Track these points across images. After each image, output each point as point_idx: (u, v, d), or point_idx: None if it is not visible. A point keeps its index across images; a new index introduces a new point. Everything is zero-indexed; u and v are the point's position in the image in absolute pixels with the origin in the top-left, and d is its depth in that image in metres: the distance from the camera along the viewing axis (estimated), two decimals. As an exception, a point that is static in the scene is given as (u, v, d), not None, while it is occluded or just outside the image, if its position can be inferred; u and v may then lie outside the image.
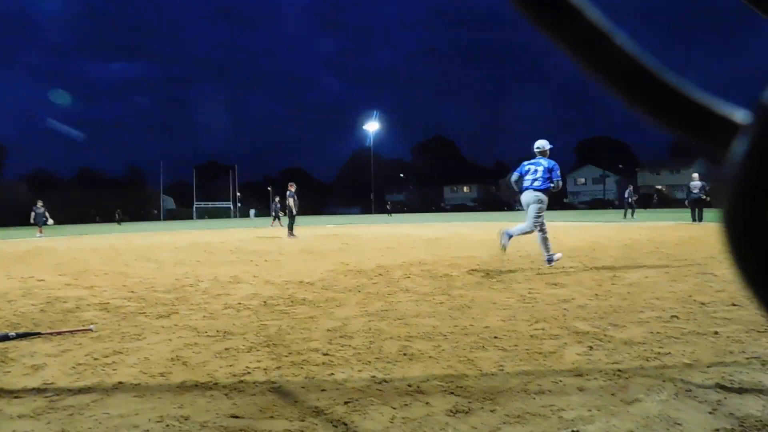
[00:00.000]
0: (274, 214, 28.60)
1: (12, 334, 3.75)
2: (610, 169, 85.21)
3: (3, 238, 20.72)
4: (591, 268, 6.89)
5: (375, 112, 73.61)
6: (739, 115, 0.28)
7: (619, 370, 2.72)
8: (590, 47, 0.29)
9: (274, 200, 28.52)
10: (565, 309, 4.36)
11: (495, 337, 3.50)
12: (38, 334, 3.85)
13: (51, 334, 3.87)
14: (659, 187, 76.44)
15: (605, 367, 2.79)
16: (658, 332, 3.50)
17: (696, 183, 18.56)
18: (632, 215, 27.22)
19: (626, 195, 27.89)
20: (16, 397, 2.60)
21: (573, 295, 4.98)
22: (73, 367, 3.08)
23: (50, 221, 24.76)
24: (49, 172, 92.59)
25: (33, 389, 2.72)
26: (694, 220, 18.65)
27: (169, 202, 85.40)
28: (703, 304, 4.40)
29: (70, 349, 3.50)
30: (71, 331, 3.93)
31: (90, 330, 3.97)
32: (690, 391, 2.42)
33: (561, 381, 2.60)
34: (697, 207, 18.53)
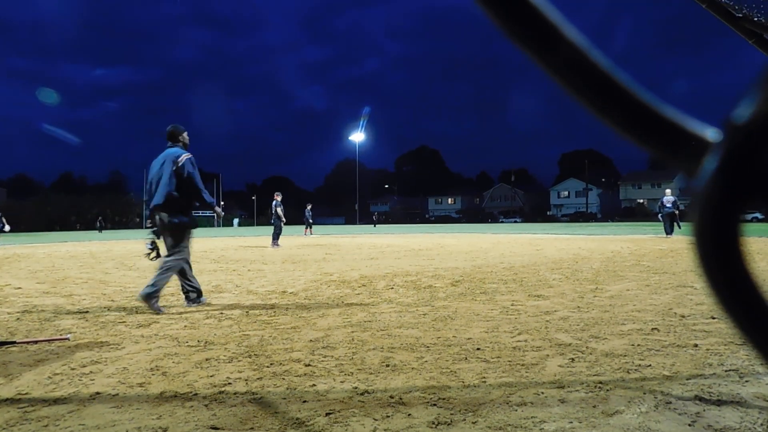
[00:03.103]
0: (307, 222, 29.10)
1: None
2: (593, 182, 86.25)
3: (-20, 244, 20.32)
4: (573, 280, 6.94)
5: (361, 122, 73.73)
6: (710, 133, 0.29)
7: (600, 382, 2.74)
8: (565, 63, 0.30)
9: (305, 208, 28.83)
10: (547, 321, 4.39)
11: (478, 349, 3.51)
12: (13, 342, 3.77)
13: (26, 342, 3.79)
14: (641, 200, 77.52)
15: (586, 379, 2.80)
16: (638, 344, 3.53)
17: (669, 198, 19.00)
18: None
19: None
20: (-11, 408, 2.54)
21: (555, 307, 5.01)
22: (49, 377, 3.03)
23: (6, 227, 24.10)
24: (29, 177, 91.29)
25: (6, 399, 2.66)
26: (667, 233, 19.01)
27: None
28: (683, 316, 4.45)
29: (46, 359, 3.43)
30: (47, 340, 3.85)
31: (67, 339, 3.88)
32: (670, 403, 2.44)
33: (543, 393, 2.61)
34: (670, 221, 18.88)
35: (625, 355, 3.27)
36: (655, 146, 0.29)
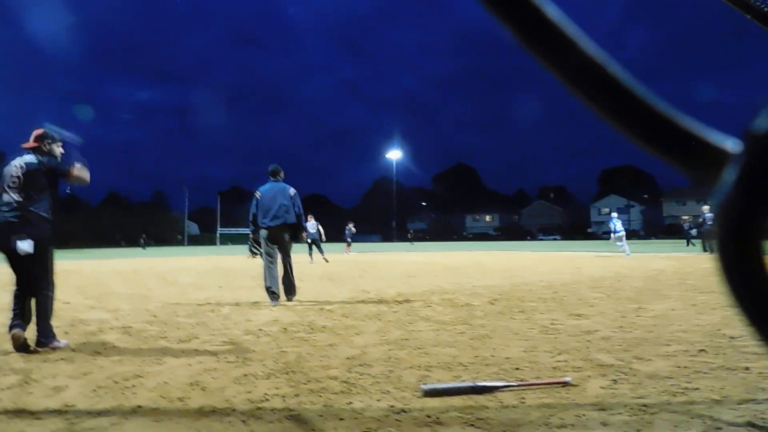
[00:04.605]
0: (348, 240, 29.91)
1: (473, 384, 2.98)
2: (635, 198, 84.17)
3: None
4: (615, 299, 6.76)
5: (396, 140, 74.10)
6: (730, 144, 0.28)
7: (644, 405, 2.65)
8: (585, 77, 0.30)
9: (347, 226, 29.75)
10: (588, 341, 4.28)
11: (516, 369, 3.44)
12: (510, 385, 2.98)
13: (526, 386, 3.01)
14: (685, 217, 75.11)
15: (630, 402, 2.72)
16: (685, 366, 3.41)
17: (710, 215, 18.55)
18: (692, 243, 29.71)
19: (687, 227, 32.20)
20: (36, 419, 2.62)
21: (596, 327, 4.88)
22: (94, 390, 3.11)
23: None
24: (77, 196, 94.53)
25: (53, 411, 2.74)
26: (705, 250, 18.55)
27: (193, 228, 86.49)
28: (732, 337, 4.28)
29: (91, 372, 3.53)
30: (547, 383, 3.05)
31: (567, 383, 3.04)
32: (719, 429, 2.34)
33: (584, 415, 2.54)
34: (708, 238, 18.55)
35: (670, 378, 3.16)
36: (673, 156, 0.29)
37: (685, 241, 31.99)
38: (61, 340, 4.47)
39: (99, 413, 2.70)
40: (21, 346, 4.23)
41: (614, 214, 20.81)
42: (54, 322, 4.63)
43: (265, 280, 7.10)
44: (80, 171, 4.47)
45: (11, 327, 4.25)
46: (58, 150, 4.64)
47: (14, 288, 4.38)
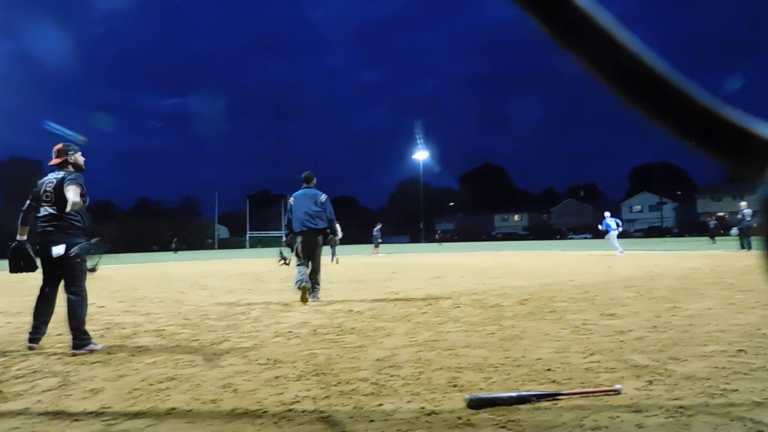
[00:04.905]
0: (375, 241, 30.38)
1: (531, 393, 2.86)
2: (667, 195, 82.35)
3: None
4: (648, 299, 6.62)
5: (422, 142, 73.84)
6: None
7: (681, 407, 2.59)
8: (620, 68, 0.29)
9: (375, 228, 30.43)
10: (621, 341, 4.20)
11: (548, 370, 3.40)
12: (559, 394, 2.85)
13: (573, 394, 2.87)
14: (721, 213, 73.17)
15: (666, 404, 2.65)
16: (723, 367, 3.32)
17: (748, 210, 18.07)
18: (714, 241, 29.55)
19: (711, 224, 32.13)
20: (75, 420, 2.69)
21: (629, 327, 4.79)
22: (129, 392, 3.17)
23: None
24: (110, 203, 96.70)
25: (91, 412, 2.80)
26: (743, 247, 18.04)
27: (223, 232, 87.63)
28: (771, 337, 4.15)
29: (126, 375, 3.60)
30: (595, 392, 2.90)
31: (617, 391, 2.88)
32: None
33: (618, 417, 2.49)
34: (748, 235, 18.04)
35: (708, 379, 3.07)
36: (715, 150, 0.28)
37: (708, 238, 31.82)
38: (98, 344, 4.59)
39: (135, 415, 2.75)
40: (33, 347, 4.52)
41: (607, 214, 21.34)
42: (90, 326, 4.76)
43: (296, 282, 7.36)
44: (75, 197, 4.49)
45: (30, 339, 4.55)
46: (81, 158, 4.93)
47: (40, 292, 4.63)
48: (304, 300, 7.19)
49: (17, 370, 3.85)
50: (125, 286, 11.66)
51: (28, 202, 4.72)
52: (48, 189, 4.62)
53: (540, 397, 2.75)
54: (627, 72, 0.29)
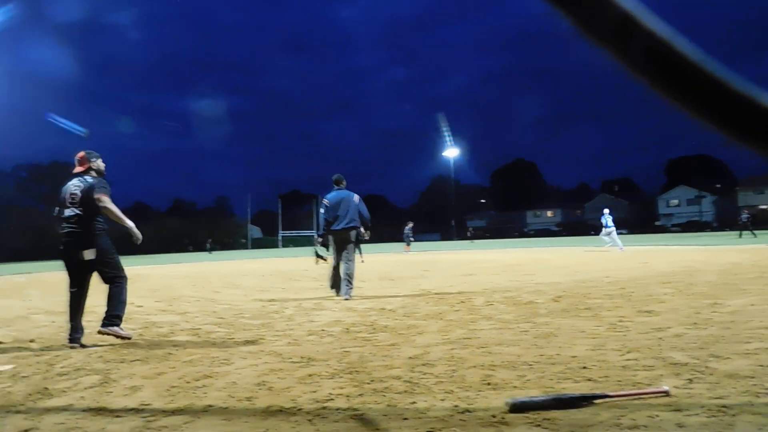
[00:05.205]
0: (407, 240, 30.95)
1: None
2: (706, 188, 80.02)
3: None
4: (687, 295, 6.45)
5: (452, 139, 73.39)
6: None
7: (723, 406, 2.51)
8: (656, 59, 0.28)
9: (406, 226, 30.98)
10: (659, 338, 4.10)
11: (583, 367, 3.35)
12: (606, 396, 2.72)
13: (620, 396, 2.74)
14: (764, 206, 70.74)
15: (707, 402, 2.58)
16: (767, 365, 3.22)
17: None
18: (752, 235, 29.18)
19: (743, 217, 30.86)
20: (116, 416, 2.76)
21: (668, 324, 4.68)
22: (167, 390, 3.24)
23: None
24: (146, 204, 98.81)
25: (131, 409, 2.87)
26: None
27: (256, 232, 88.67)
28: (819, 334, 4.00)
29: (164, 373, 3.68)
30: (642, 393, 2.78)
31: (664, 392, 2.75)
32: (807, 430, 2.20)
33: (657, 416, 2.43)
34: None
35: (752, 377, 2.98)
36: (759, 140, 0.27)
37: (738, 232, 31.02)
38: (126, 331, 4.93)
39: (173, 412, 2.81)
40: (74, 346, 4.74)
41: (606, 211, 22.02)
42: (128, 325, 4.92)
43: (330, 279, 7.99)
44: (109, 204, 4.93)
45: (71, 340, 4.82)
46: (102, 163, 5.30)
47: (71, 293, 4.93)
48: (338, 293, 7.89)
49: (61, 367, 3.97)
50: (162, 285, 11.92)
51: (57, 208, 5.02)
52: (75, 192, 4.92)
53: (584, 399, 2.67)
54: (661, 61, 0.28)
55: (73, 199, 4.91)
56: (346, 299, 7.60)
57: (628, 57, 0.29)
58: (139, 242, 5.22)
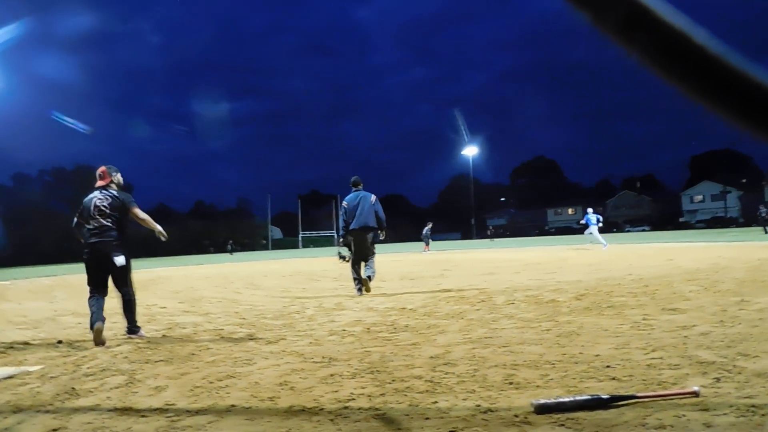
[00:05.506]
0: (426, 240, 31.61)
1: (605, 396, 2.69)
2: (732, 183, 78.45)
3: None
4: (713, 292, 6.33)
5: (471, 137, 73.07)
6: None
7: (753, 406, 2.46)
8: (678, 57, 0.27)
9: (426, 226, 31.63)
10: (685, 336, 4.04)
11: (607, 366, 3.31)
12: (633, 397, 2.68)
13: (649, 397, 2.68)
14: (782, 202, 68.97)
15: (736, 402, 2.53)
16: (797, 363, 3.14)
17: None
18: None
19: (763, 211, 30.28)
20: (141, 417, 2.80)
21: (693, 322, 4.60)
22: (191, 390, 3.28)
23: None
24: (168, 206, 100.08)
25: (156, 409, 2.91)
26: None
27: (276, 233, 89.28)
28: None
29: (188, 373, 3.72)
30: (672, 395, 2.71)
31: (695, 393, 2.67)
32: (840, 430, 2.14)
33: (684, 416, 2.39)
34: None
35: (781, 375, 2.91)
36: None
37: (762, 228, 30.39)
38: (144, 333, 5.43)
39: (197, 412, 2.84)
40: (101, 341, 4.97)
41: (589, 210, 23.25)
42: (152, 326, 5.02)
43: (352, 273, 8.66)
44: (143, 214, 5.51)
45: (94, 322, 5.05)
46: (121, 177, 5.73)
47: (94, 298, 5.22)
48: (363, 290, 8.43)
49: (88, 368, 4.04)
50: (185, 287, 12.06)
51: (76, 219, 5.48)
52: (104, 205, 5.34)
53: (612, 401, 2.61)
54: (677, 52, 0.27)
55: (101, 211, 5.31)
56: (368, 276, 8.36)
57: (642, 48, 0.29)
58: (165, 239, 5.69)
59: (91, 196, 5.44)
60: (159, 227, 5.56)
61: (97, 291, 5.26)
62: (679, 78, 0.28)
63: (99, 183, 5.55)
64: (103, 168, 5.61)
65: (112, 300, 5.33)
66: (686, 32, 0.27)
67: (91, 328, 4.97)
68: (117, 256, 5.24)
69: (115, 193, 5.49)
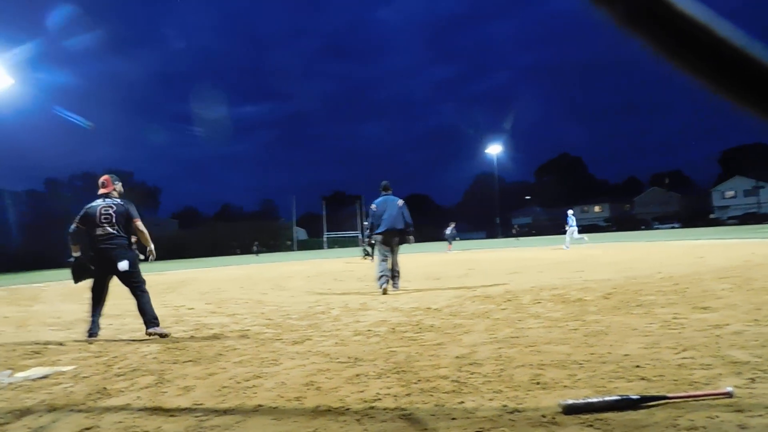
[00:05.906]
0: (449, 240, 31.67)
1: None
2: (765, 179, 76.45)
3: (155, 271, 22.98)
4: (746, 290, 6.18)
5: (495, 136, 72.56)
6: None
7: (788, 406, 2.39)
8: (703, 51, 0.27)
9: (449, 226, 31.85)
10: (717, 336, 3.94)
11: (636, 366, 3.25)
12: (665, 397, 2.61)
13: (680, 398, 2.60)
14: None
15: (771, 402, 2.46)
16: (835, 363, 3.05)
17: None
18: None
19: None
20: (171, 416, 2.84)
21: (726, 321, 4.49)
22: (219, 390, 3.32)
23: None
24: (195, 210, 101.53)
25: (185, 409, 2.95)
26: None
27: (301, 234, 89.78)
28: None
29: (216, 373, 3.77)
30: (704, 395, 2.64)
31: (728, 394, 2.60)
32: None
33: (717, 417, 2.34)
34: None
35: (818, 375, 2.83)
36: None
37: None
38: (165, 330, 5.54)
39: (224, 412, 2.87)
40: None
41: (570, 212, 24.17)
42: (180, 327, 5.10)
43: (377, 272, 8.81)
44: (143, 227, 5.71)
45: (91, 334, 5.49)
46: (121, 186, 5.98)
47: (94, 296, 5.59)
48: (385, 292, 8.48)
49: (118, 368, 4.12)
50: (211, 288, 12.21)
51: (74, 225, 5.61)
52: (108, 213, 5.57)
53: (642, 401, 2.56)
54: (699, 44, 0.27)
55: (107, 219, 5.55)
56: (395, 290, 8.71)
57: (662, 42, 0.28)
58: (153, 259, 6.00)
59: (94, 204, 5.66)
60: (152, 246, 5.80)
61: (98, 303, 5.61)
62: (701, 71, 0.28)
63: (102, 191, 5.79)
64: (106, 176, 5.87)
65: (126, 301, 5.55)
66: (707, 24, 0.27)
67: (88, 337, 5.45)
68: (122, 261, 5.47)
69: (119, 201, 5.73)
